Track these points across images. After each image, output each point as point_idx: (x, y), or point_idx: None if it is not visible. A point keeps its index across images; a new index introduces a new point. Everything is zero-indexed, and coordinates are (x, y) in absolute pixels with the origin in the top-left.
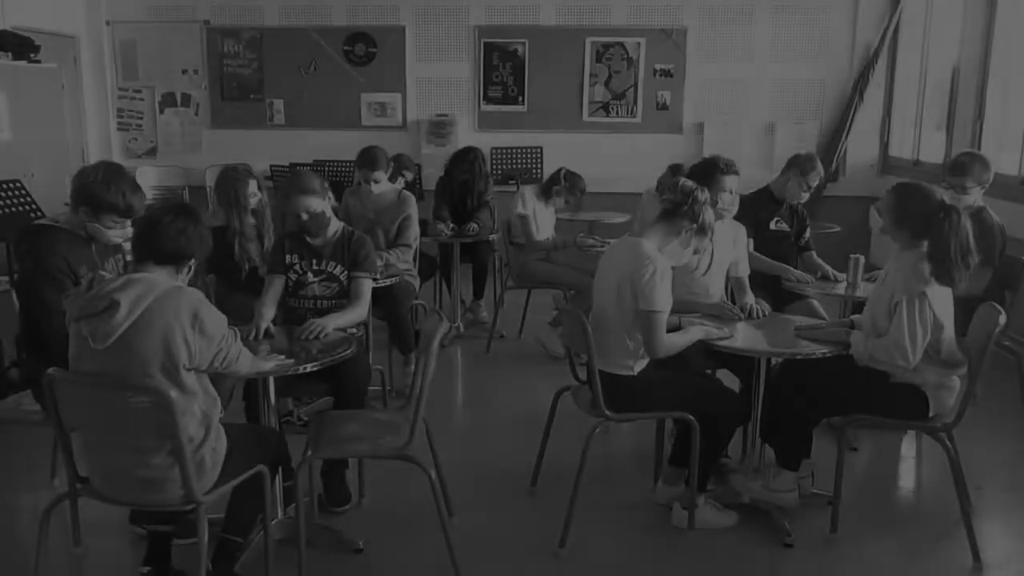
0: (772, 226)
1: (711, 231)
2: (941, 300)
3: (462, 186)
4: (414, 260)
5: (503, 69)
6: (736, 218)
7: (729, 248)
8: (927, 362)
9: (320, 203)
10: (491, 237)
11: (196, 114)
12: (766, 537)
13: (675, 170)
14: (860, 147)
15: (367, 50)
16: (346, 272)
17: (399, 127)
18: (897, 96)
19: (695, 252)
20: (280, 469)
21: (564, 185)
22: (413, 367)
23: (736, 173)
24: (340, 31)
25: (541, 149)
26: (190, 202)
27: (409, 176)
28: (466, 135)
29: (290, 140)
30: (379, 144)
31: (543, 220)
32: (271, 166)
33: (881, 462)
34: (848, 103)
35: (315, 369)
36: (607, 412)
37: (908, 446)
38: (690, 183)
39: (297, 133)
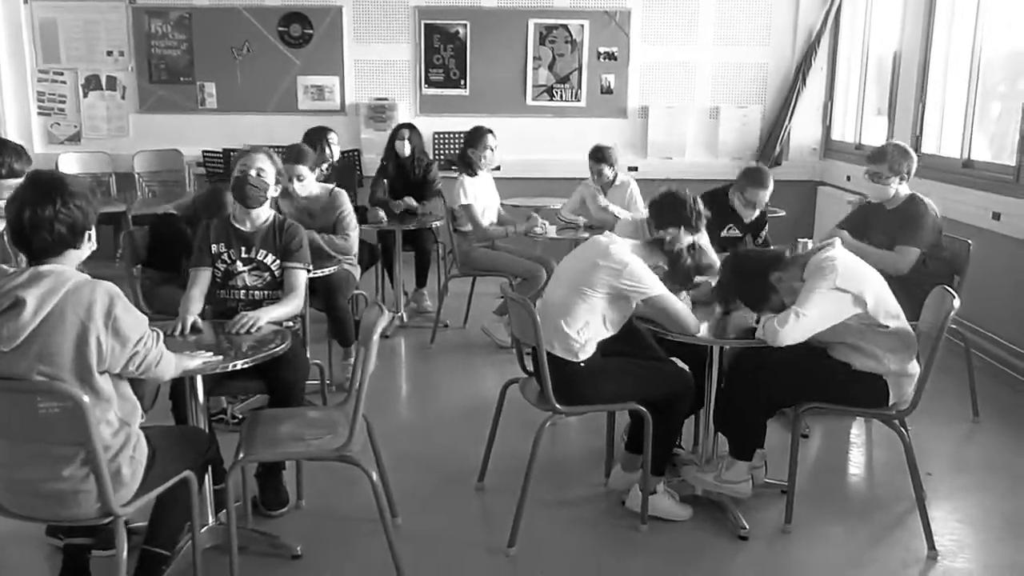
0: (723, 232)
1: (687, 285)
2: (874, 289)
3: (398, 164)
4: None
5: (444, 52)
6: None
7: None
8: (886, 348)
9: (272, 176)
10: (434, 225)
11: (122, 98)
12: (720, 530)
13: (598, 162)
14: (803, 131)
15: (303, 31)
16: (278, 261)
17: (337, 111)
18: (839, 80)
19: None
20: (211, 472)
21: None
22: (353, 360)
23: (700, 230)
24: (274, 11)
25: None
26: (116, 188)
27: (335, 150)
28: (408, 119)
29: (223, 125)
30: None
31: (487, 199)
32: (203, 152)
33: (832, 448)
34: (791, 87)
35: (247, 366)
36: (556, 405)
37: (858, 431)
38: (685, 241)
39: (230, 118)
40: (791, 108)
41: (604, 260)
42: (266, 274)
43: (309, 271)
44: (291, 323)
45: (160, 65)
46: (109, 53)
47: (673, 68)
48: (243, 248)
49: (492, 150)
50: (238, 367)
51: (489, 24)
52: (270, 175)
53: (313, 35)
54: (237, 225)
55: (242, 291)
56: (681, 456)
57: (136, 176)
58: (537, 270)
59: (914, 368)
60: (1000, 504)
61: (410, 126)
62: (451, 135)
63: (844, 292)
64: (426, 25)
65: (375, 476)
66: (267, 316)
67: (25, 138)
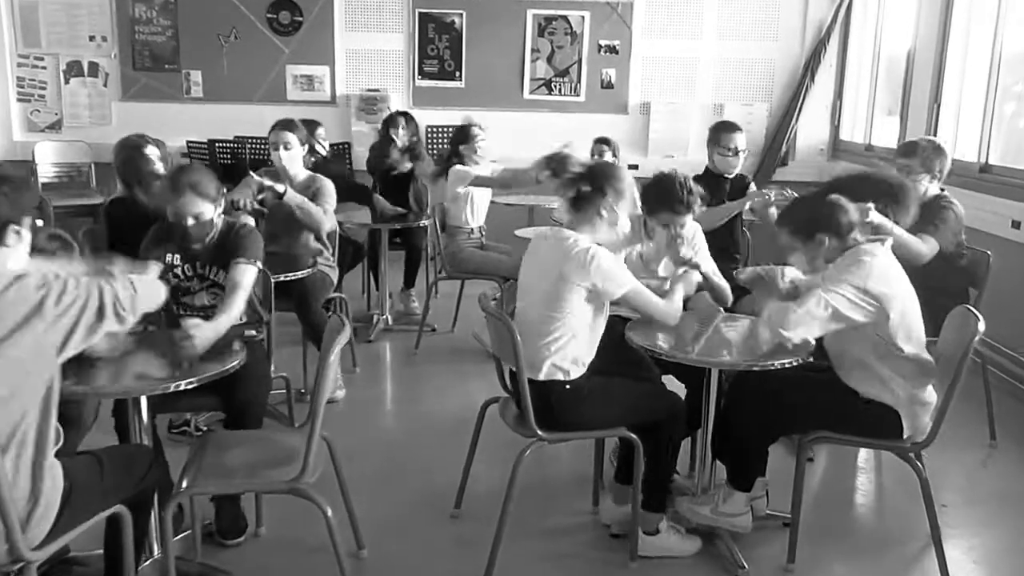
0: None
1: (631, 193)
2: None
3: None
4: (334, 247)
5: (439, 42)
6: None
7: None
8: (898, 373)
9: (212, 210)
10: (422, 223)
11: (105, 85)
12: (716, 568)
13: (603, 145)
14: (810, 130)
15: (292, 18)
16: (225, 273)
17: (328, 102)
18: (849, 78)
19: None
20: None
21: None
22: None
23: (693, 213)
24: None
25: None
26: (96, 179)
27: (324, 144)
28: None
29: (209, 115)
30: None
31: (480, 192)
32: (188, 142)
33: (838, 475)
34: (799, 84)
35: (195, 385)
36: (538, 431)
37: (866, 455)
38: (565, 154)
39: (216, 107)
40: (799, 106)
41: (568, 264)
42: (220, 291)
43: (260, 268)
44: (253, 332)
45: (144, 52)
46: (91, 38)
47: (676, 63)
48: (197, 263)
49: (483, 141)
50: (182, 388)
51: (486, 14)
52: (208, 210)
53: (303, 22)
54: (190, 243)
55: (199, 311)
56: (676, 482)
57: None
58: None
59: (930, 396)
60: (1021, 541)
61: (406, 114)
62: (446, 129)
63: (870, 297)
64: (421, 14)
65: (329, 512)
66: (212, 332)
67: (4, 125)
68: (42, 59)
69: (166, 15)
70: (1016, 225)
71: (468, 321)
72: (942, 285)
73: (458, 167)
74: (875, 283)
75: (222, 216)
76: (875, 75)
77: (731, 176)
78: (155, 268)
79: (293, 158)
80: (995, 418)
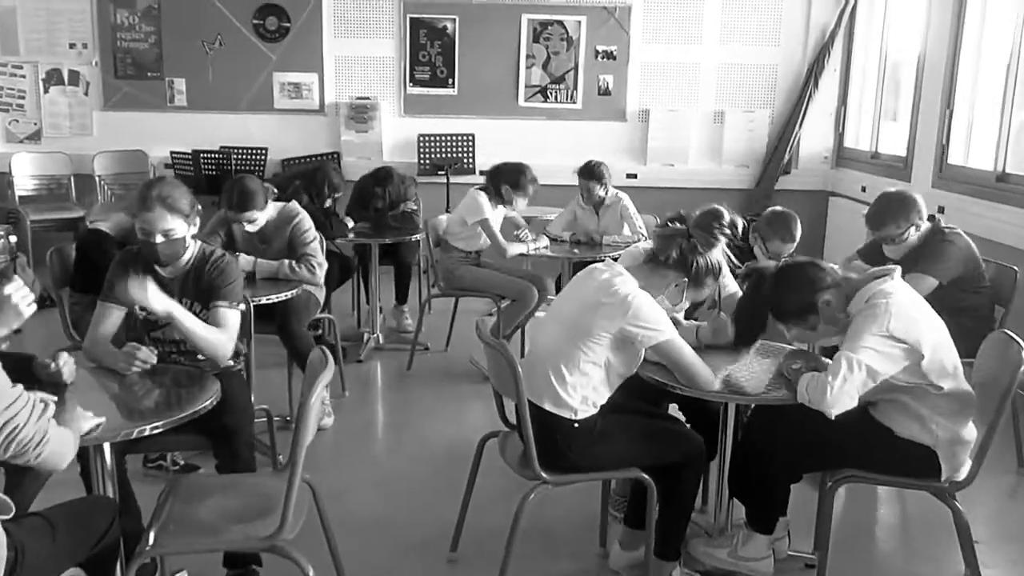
0: None
1: (716, 276)
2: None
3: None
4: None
5: (431, 48)
6: None
7: None
8: (938, 412)
9: (184, 228)
10: (414, 237)
11: (86, 94)
12: None
13: (589, 180)
14: (814, 138)
15: (279, 24)
16: (205, 310)
17: (316, 111)
18: (853, 83)
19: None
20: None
21: (506, 187)
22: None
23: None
24: (249, 2)
25: (473, 136)
26: (76, 192)
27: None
28: (391, 120)
29: (193, 124)
30: (295, 130)
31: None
32: (172, 152)
33: (859, 506)
34: (802, 90)
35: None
36: (542, 473)
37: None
38: (679, 226)
39: (201, 116)
40: (802, 113)
41: (606, 297)
42: None
43: (242, 308)
44: (231, 362)
45: (126, 59)
46: (72, 46)
47: (676, 69)
48: (166, 291)
49: (527, 199)
50: (146, 433)
51: (479, 19)
52: (180, 227)
53: (290, 28)
54: (157, 269)
55: (171, 345)
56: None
57: (97, 179)
58: (527, 289)
59: (969, 433)
60: None
61: (386, 173)
62: (437, 138)
63: (897, 342)
64: (412, 19)
65: (311, 573)
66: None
67: None
68: (21, 67)
69: (149, 21)
70: None
71: (462, 339)
72: (964, 307)
73: (481, 199)
74: (899, 323)
75: (197, 242)
76: (881, 81)
77: None
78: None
79: (258, 223)
80: (1023, 444)
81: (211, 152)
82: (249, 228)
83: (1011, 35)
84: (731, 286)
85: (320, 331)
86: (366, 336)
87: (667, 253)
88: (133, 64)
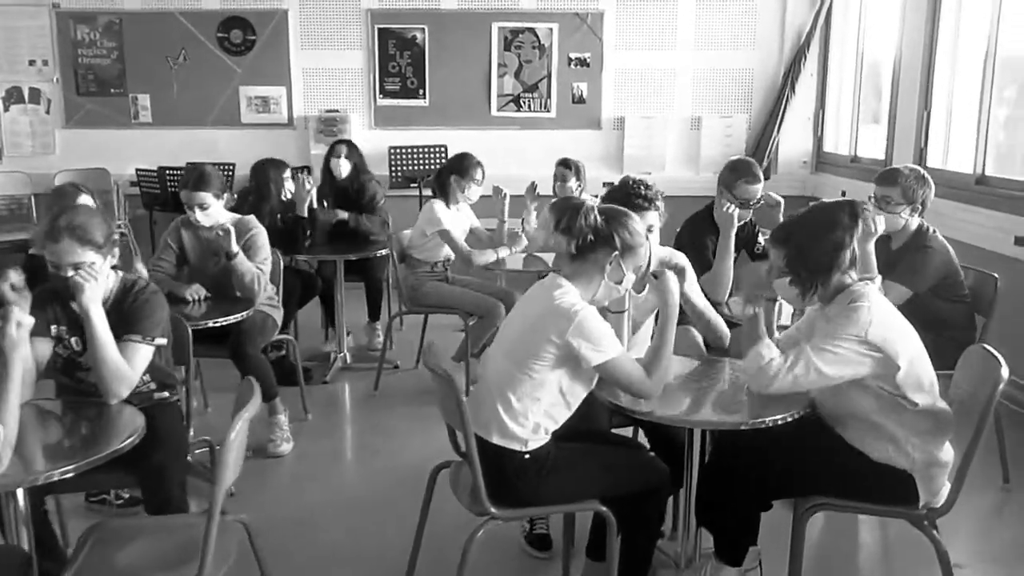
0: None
1: (647, 245)
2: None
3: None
4: (278, 284)
5: (401, 59)
6: (675, 246)
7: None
8: (913, 432)
9: (100, 260)
10: (380, 253)
11: (47, 112)
12: None
13: (565, 168)
14: (792, 142)
15: (245, 37)
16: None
17: (285, 124)
18: (831, 86)
19: (640, 282)
20: None
21: (453, 176)
22: (280, 415)
23: (656, 208)
24: (213, 15)
25: (446, 148)
26: (37, 212)
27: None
28: (361, 133)
29: (159, 140)
30: (263, 145)
31: (459, 230)
32: (137, 170)
33: (836, 530)
34: (779, 95)
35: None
36: (491, 508)
37: None
38: (574, 201)
39: (167, 132)
40: (779, 117)
41: (547, 313)
42: None
43: (161, 343)
44: (165, 393)
45: (88, 76)
46: (32, 63)
47: (650, 75)
48: (82, 333)
49: (478, 184)
50: (55, 478)
51: (449, 28)
52: (93, 258)
53: (256, 41)
54: (72, 305)
55: (94, 386)
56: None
57: None
58: (494, 306)
59: (947, 454)
60: None
61: (348, 143)
62: (408, 150)
63: (872, 349)
64: (380, 30)
65: None
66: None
67: None
68: None
69: (110, 37)
70: (1020, 242)
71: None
72: (942, 317)
73: (437, 207)
74: (877, 330)
75: (118, 273)
76: (858, 83)
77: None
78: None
79: (212, 215)
80: (1008, 457)
81: (177, 169)
82: (201, 219)
83: (986, 34)
84: (697, 297)
85: (284, 352)
86: (333, 356)
87: (582, 235)
88: (95, 80)
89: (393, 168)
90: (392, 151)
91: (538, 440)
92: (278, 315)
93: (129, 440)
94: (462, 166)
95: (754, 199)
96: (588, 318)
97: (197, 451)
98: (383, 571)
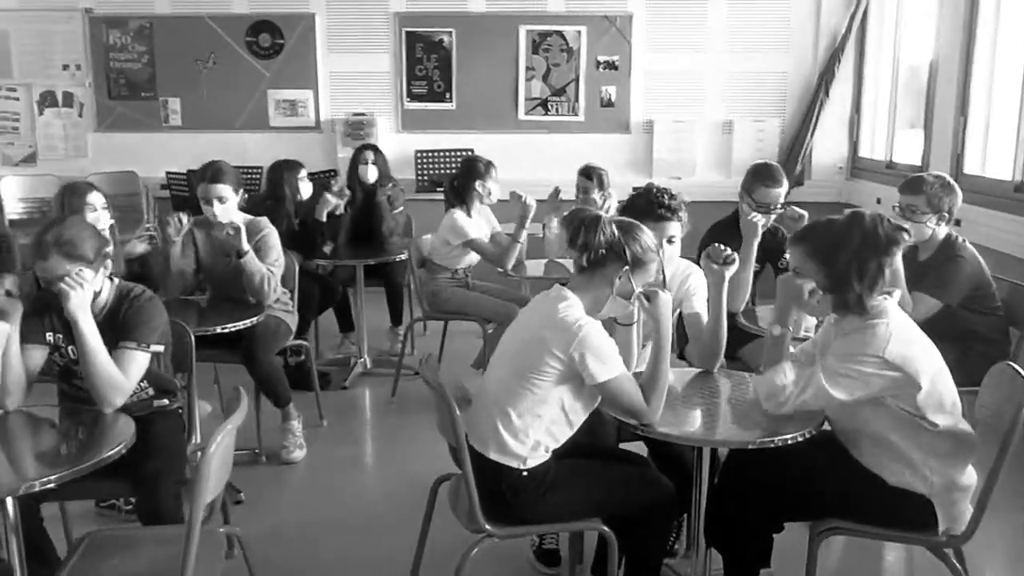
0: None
1: (659, 258)
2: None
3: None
4: (293, 289)
5: (428, 62)
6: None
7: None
8: (932, 455)
9: (90, 276)
10: (399, 257)
11: (80, 115)
12: None
13: (587, 179)
14: (827, 147)
15: (273, 41)
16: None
17: (312, 128)
18: (867, 90)
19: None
20: None
21: (477, 181)
22: (293, 421)
23: (678, 218)
24: (241, 19)
25: (472, 152)
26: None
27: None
28: (387, 136)
29: (188, 143)
30: (291, 148)
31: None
32: (167, 173)
33: (858, 556)
34: (813, 98)
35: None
36: (486, 525)
37: None
38: (587, 214)
39: (196, 136)
40: (813, 122)
41: (550, 327)
42: None
43: (157, 350)
44: (165, 401)
45: (120, 80)
46: (65, 67)
47: (681, 78)
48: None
49: (497, 182)
50: (36, 488)
51: (477, 31)
52: (84, 272)
53: (284, 45)
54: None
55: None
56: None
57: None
58: (513, 312)
59: (969, 478)
60: None
61: (374, 147)
62: (435, 153)
63: (891, 368)
64: (407, 33)
65: None
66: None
67: None
68: (15, 90)
69: (141, 41)
70: None
71: (454, 362)
72: (973, 330)
73: (457, 219)
74: (896, 348)
75: (115, 281)
76: (895, 86)
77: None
78: None
79: (228, 211)
80: None
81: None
82: (219, 212)
83: None
84: (697, 304)
85: (303, 357)
86: (353, 361)
87: (593, 249)
88: (127, 84)
89: (419, 172)
90: (419, 155)
91: (537, 458)
92: (292, 320)
93: (115, 450)
94: (477, 170)
95: (775, 204)
96: (592, 333)
97: None
98: None
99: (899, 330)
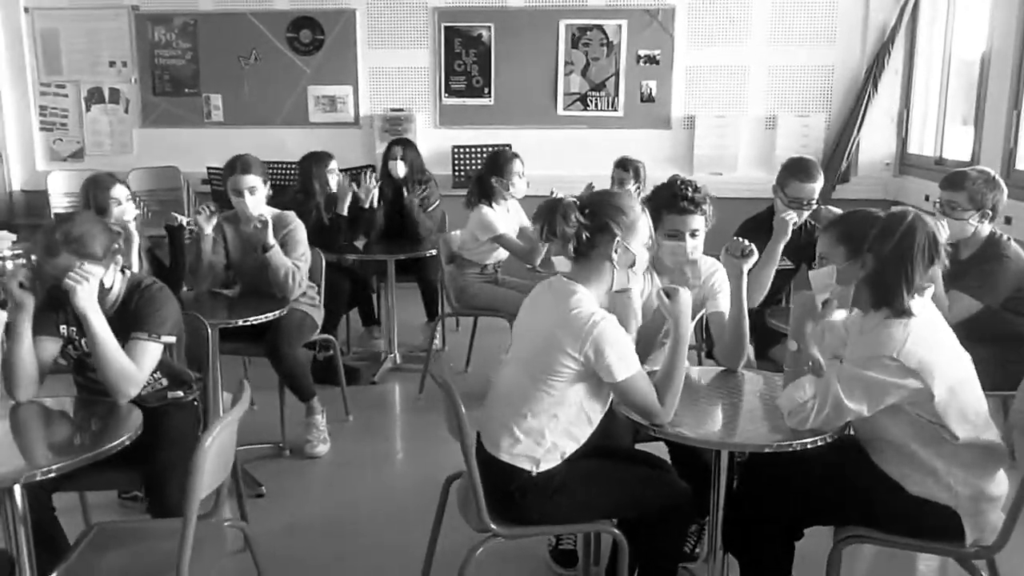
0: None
1: (645, 216)
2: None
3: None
4: (320, 284)
5: (467, 57)
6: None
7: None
8: (956, 464)
9: (100, 272)
10: (431, 252)
11: (126, 111)
12: None
13: (623, 171)
14: (874, 143)
15: (314, 37)
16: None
17: (351, 123)
18: (917, 84)
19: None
20: None
21: (493, 177)
22: (317, 415)
23: (702, 211)
24: (283, 16)
25: (510, 147)
26: None
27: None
28: (426, 132)
29: (230, 139)
30: (329, 143)
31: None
32: (208, 168)
33: (883, 563)
34: (860, 93)
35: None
36: (491, 525)
37: None
38: (547, 205)
39: (237, 132)
40: (860, 117)
41: (564, 324)
42: None
43: (169, 341)
44: (179, 393)
45: (164, 76)
46: (112, 64)
47: (723, 72)
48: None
49: (520, 176)
50: (37, 477)
51: (516, 26)
52: (88, 266)
53: (324, 41)
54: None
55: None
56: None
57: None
58: None
59: (999, 486)
60: None
61: (405, 142)
62: (473, 149)
63: (908, 373)
64: (446, 28)
65: None
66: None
67: (27, 155)
68: (63, 87)
69: (185, 38)
70: None
71: (484, 359)
72: (1018, 333)
73: (485, 214)
74: (913, 350)
75: (126, 274)
76: (946, 80)
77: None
78: None
79: (258, 203)
80: None
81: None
82: (250, 204)
83: None
84: (722, 303)
85: (331, 351)
86: (383, 356)
87: (574, 235)
88: (171, 81)
89: (456, 167)
90: (456, 150)
91: (551, 461)
92: (317, 314)
93: (119, 441)
94: (498, 164)
95: (808, 200)
96: (608, 329)
97: None
98: None
99: (919, 330)
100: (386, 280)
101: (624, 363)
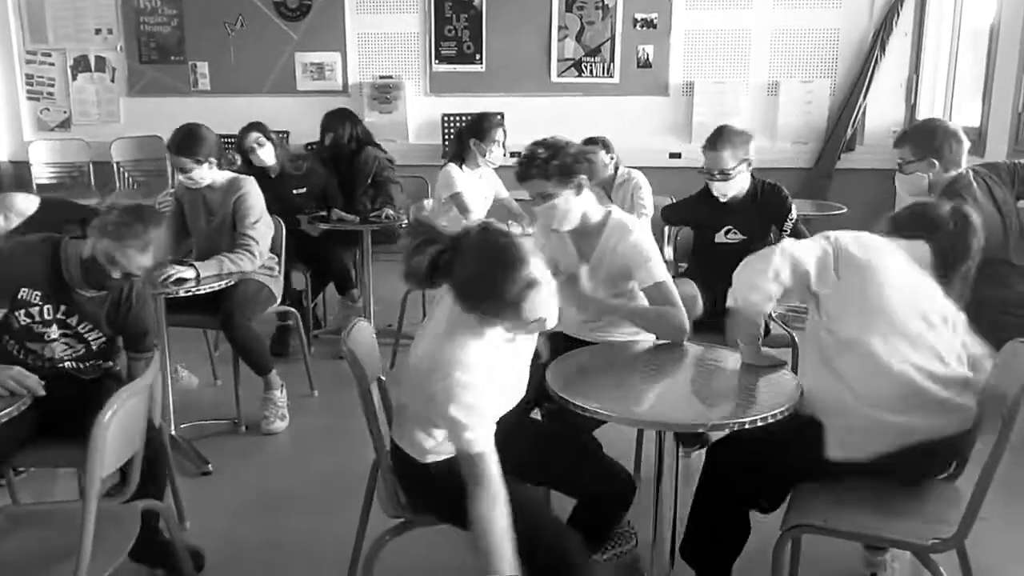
0: (720, 237)
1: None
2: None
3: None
4: (280, 253)
5: (457, 22)
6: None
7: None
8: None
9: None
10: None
11: (112, 80)
12: None
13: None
14: (882, 110)
15: (301, 2)
16: (102, 339)
17: (339, 91)
18: (927, 49)
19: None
20: None
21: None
22: (275, 391)
23: (545, 176)
24: None
25: (502, 116)
26: (96, 180)
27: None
28: (416, 100)
29: (217, 108)
30: (318, 112)
31: (476, 197)
32: None
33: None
34: (867, 58)
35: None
36: (392, 510)
37: None
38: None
39: (225, 100)
40: (867, 83)
41: (430, 398)
42: (80, 346)
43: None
44: (110, 363)
45: (150, 44)
46: (97, 31)
47: (723, 36)
48: (63, 306)
49: (500, 145)
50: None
51: None
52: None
53: (312, 6)
54: (70, 283)
55: (46, 361)
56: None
57: (115, 166)
58: None
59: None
60: None
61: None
62: (464, 118)
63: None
64: None
65: None
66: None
67: (15, 125)
68: (49, 55)
69: (171, 4)
70: None
71: None
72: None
73: (449, 170)
74: (848, 243)
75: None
76: (956, 45)
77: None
78: None
79: (195, 179)
80: None
81: (233, 137)
82: (189, 184)
83: None
84: (658, 272)
85: (290, 322)
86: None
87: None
88: (157, 48)
89: (447, 137)
90: (445, 119)
91: (443, 454)
92: (276, 285)
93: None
94: (480, 127)
95: (714, 169)
96: (460, 385)
97: (183, 425)
98: (325, 566)
99: (871, 241)
100: (362, 249)
101: (475, 432)
